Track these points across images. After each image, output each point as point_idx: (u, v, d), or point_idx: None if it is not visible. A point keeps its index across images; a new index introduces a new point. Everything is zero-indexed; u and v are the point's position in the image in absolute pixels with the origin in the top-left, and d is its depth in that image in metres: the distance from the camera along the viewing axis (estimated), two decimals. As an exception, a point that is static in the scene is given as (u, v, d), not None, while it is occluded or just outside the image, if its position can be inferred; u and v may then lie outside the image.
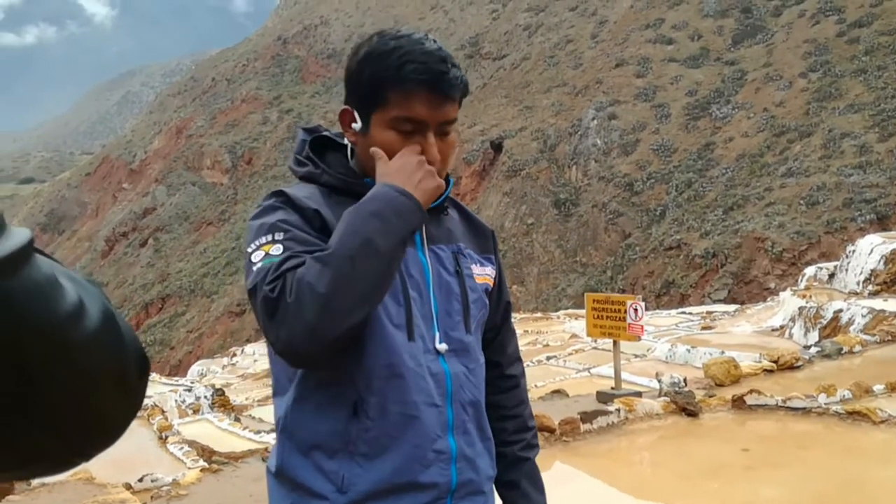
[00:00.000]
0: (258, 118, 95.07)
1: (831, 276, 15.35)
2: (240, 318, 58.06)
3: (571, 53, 63.23)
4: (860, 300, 12.13)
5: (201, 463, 6.69)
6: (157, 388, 12.71)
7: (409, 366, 1.52)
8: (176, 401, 11.45)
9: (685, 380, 7.99)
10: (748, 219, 35.69)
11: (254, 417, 11.29)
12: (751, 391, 7.08)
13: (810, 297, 13.53)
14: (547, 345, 16.06)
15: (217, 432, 9.08)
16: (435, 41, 1.56)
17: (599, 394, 7.63)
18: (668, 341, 12.59)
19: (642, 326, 7.41)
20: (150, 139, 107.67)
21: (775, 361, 8.89)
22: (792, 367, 8.84)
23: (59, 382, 0.57)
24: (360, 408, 1.50)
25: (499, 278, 1.80)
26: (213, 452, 7.39)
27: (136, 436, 8.05)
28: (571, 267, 44.42)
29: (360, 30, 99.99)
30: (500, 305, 1.81)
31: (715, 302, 28.26)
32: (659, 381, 7.78)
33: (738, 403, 6.98)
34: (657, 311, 23.97)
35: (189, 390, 12.03)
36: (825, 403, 6.81)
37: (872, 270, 13.29)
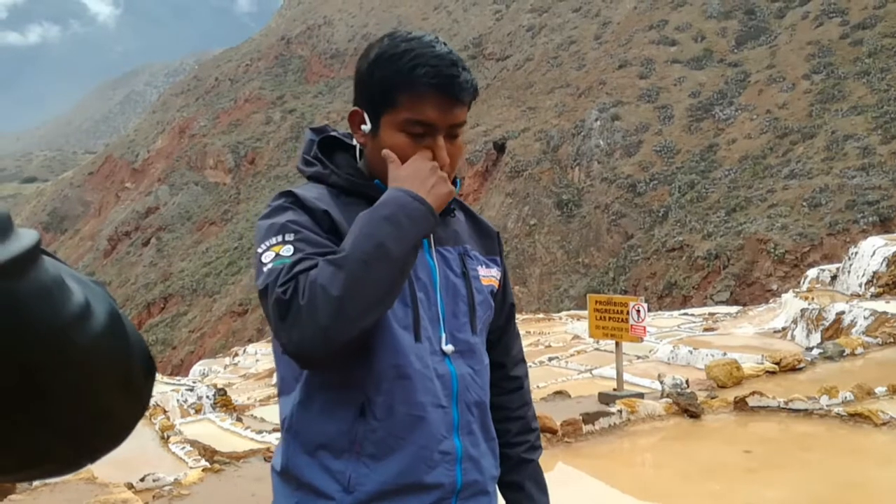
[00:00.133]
0: (261, 118, 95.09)
1: (833, 277, 15.34)
2: (242, 317, 58.06)
3: (575, 54, 63.19)
4: (862, 302, 12.11)
5: (203, 463, 6.69)
6: (159, 388, 12.72)
7: (415, 367, 1.52)
8: (178, 400, 11.46)
9: (687, 381, 7.99)
10: (751, 220, 35.64)
11: (256, 417, 11.29)
12: (753, 393, 7.08)
13: (812, 298, 13.52)
14: (549, 346, 16.05)
15: (219, 432, 9.09)
16: (445, 44, 1.57)
17: (601, 395, 7.63)
18: (671, 343, 12.59)
19: (644, 328, 7.40)
20: (153, 138, 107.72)
21: (777, 363, 8.89)
22: (794, 369, 8.84)
23: (66, 384, 0.57)
24: (367, 408, 1.51)
25: (503, 280, 1.81)
26: (214, 452, 7.39)
27: (138, 435, 8.05)
28: (574, 268, 44.39)
29: (363, 30, 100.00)
30: (504, 307, 1.82)
31: (717, 303, 28.21)
32: (661, 382, 7.78)
33: (740, 405, 6.98)
34: (659, 312, 23.94)
35: (191, 390, 12.05)
36: (827, 405, 6.81)
37: (875, 272, 13.28)
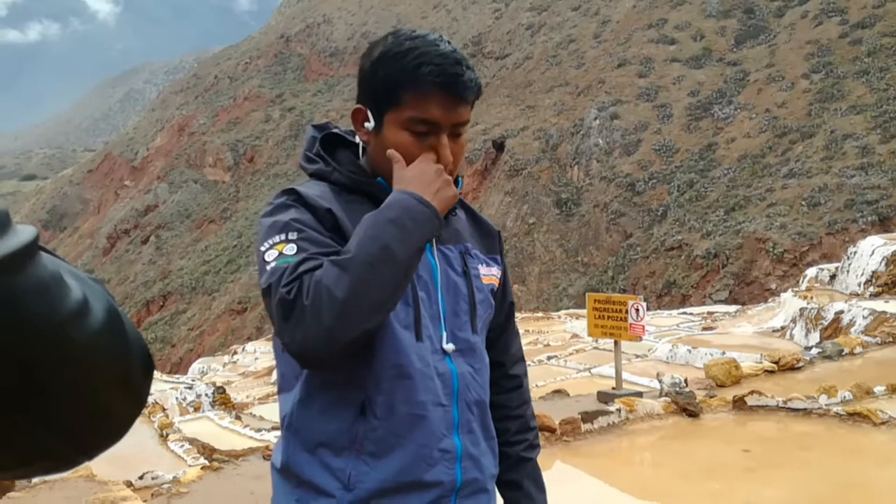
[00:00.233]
0: (260, 116, 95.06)
1: (832, 277, 15.34)
2: (241, 315, 58.06)
3: (574, 53, 63.18)
4: (861, 301, 12.11)
5: (202, 461, 6.68)
6: (158, 386, 12.72)
7: (416, 366, 1.53)
8: (177, 398, 11.45)
9: (686, 380, 8.00)
10: (749, 219, 35.66)
11: (255, 415, 11.29)
12: (751, 392, 7.08)
13: (811, 298, 13.52)
14: (548, 344, 16.06)
15: (218, 430, 9.08)
16: (449, 42, 1.57)
17: (600, 394, 7.63)
18: (669, 342, 12.59)
19: (643, 327, 7.40)
20: (153, 136, 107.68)
21: (776, 362, 8.89)
22: (793, 368, 8.84)
23: (64, 381, 0.57)
24: (368, 407, 1.51)
25: (504, 279, 1.81)
26: (213, 450, 7.38)
27: (137, 433, 8.04)
28: (573, 267, 44.40)
29: (362, 28, 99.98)
30: (503, 305, 1.82)
31: (716, 302, 28.24)
32: (660, 381, 7.78)
33: (739, 404, 6.99)
34: (658, 311, 23.96)
35: (190, 388, 12.03)
36: (826, 405, 6.81)
37: (874, 272, 13.29)
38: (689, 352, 11.58)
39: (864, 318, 11.12)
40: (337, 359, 1.40)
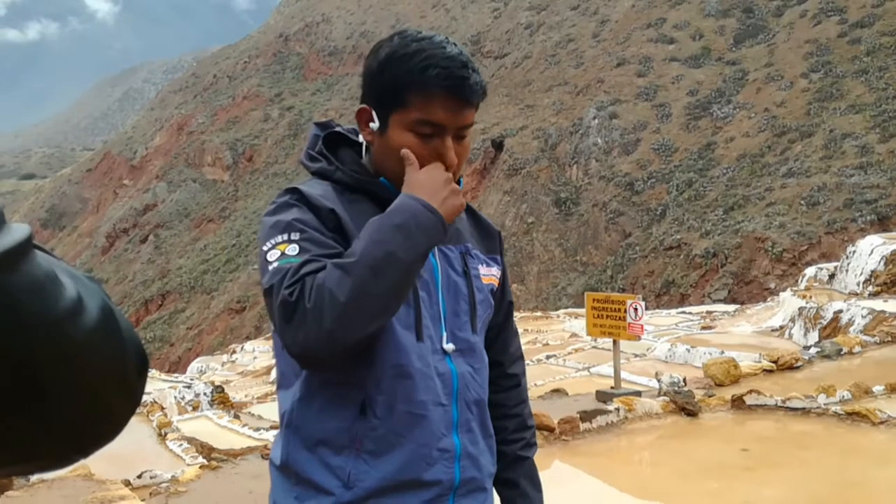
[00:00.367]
0: (259, 115, 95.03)
1: (831, 276, 15.34)
2: (240, 315, 58.07)
3: (573, 52, 63.20)
4: (860, 301, 12.11)
5: (200, 460, 6.68)
6: (157, 385, 12.70)
7: (417, 366, 1.53)
8: (175, 397, 11.43)
9: (685, 379, 7.99)
10: (748, 219, 35.69)
11: (253, 415, 11.30)
12: (750, 391, 7.08)
13: (810, 297, 13.52)
14: (547, 344, 16.06)
15: (216, 429, 9.07)
16: (455, 44, 1.57)
17: (599, 393, 7.62)
18: (668, 341, 12.59)
19: (642, 326, 7.41)
20: (152, 135, 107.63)
21: (775, 362, 8.89)
22: (791, 368, 8.84)
23: (59, 379, 0.57)
24: (368, 407, 1.52)
25: (503, 279, 1.81)
26: (212, 449, 7.38)
27: (136, 432, 8.04)
28: (571, 266, 44.42)
29: (361, 28, 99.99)
30: (502, 305, 1.83)
31: (715, 302, 28.26)
32: (658, 380, 7.78)
33: (738, 403, 6.99)
34: (657, 310, 23.97)
35: (188, 387, 12.01)
36: (825, 404, 6.81)
37: (873, 271, 13.29)
38: (688, 351, 11.58)
39: (863, 317, 11.12)
40: (338, 361, 1.40)
